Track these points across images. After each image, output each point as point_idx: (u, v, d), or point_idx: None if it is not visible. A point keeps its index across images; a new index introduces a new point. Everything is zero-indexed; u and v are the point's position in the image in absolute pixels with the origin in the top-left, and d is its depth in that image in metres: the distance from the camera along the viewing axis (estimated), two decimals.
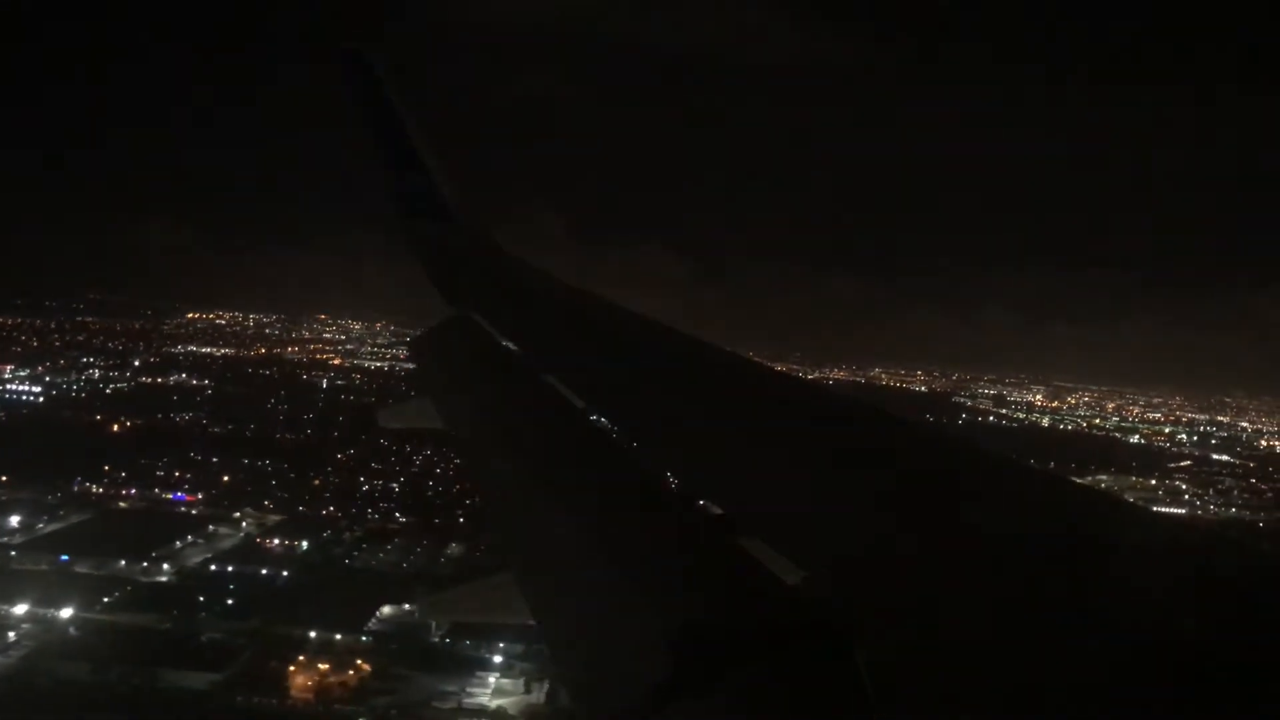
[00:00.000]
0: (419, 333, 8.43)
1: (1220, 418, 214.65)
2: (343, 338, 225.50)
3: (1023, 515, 2.54)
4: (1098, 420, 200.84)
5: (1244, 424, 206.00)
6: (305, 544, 76.97)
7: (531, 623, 3.11)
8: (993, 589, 2.04)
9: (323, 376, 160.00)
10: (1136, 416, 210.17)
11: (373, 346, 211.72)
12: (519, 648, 62.26)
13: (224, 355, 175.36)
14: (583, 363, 5.39)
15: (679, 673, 2.12)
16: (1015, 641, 1.83)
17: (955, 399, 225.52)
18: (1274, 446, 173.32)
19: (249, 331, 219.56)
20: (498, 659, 60.31)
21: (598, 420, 4.35)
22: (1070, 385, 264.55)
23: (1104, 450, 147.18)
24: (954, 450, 3.24)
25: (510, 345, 6.30)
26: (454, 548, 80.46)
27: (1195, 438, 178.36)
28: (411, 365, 8.40)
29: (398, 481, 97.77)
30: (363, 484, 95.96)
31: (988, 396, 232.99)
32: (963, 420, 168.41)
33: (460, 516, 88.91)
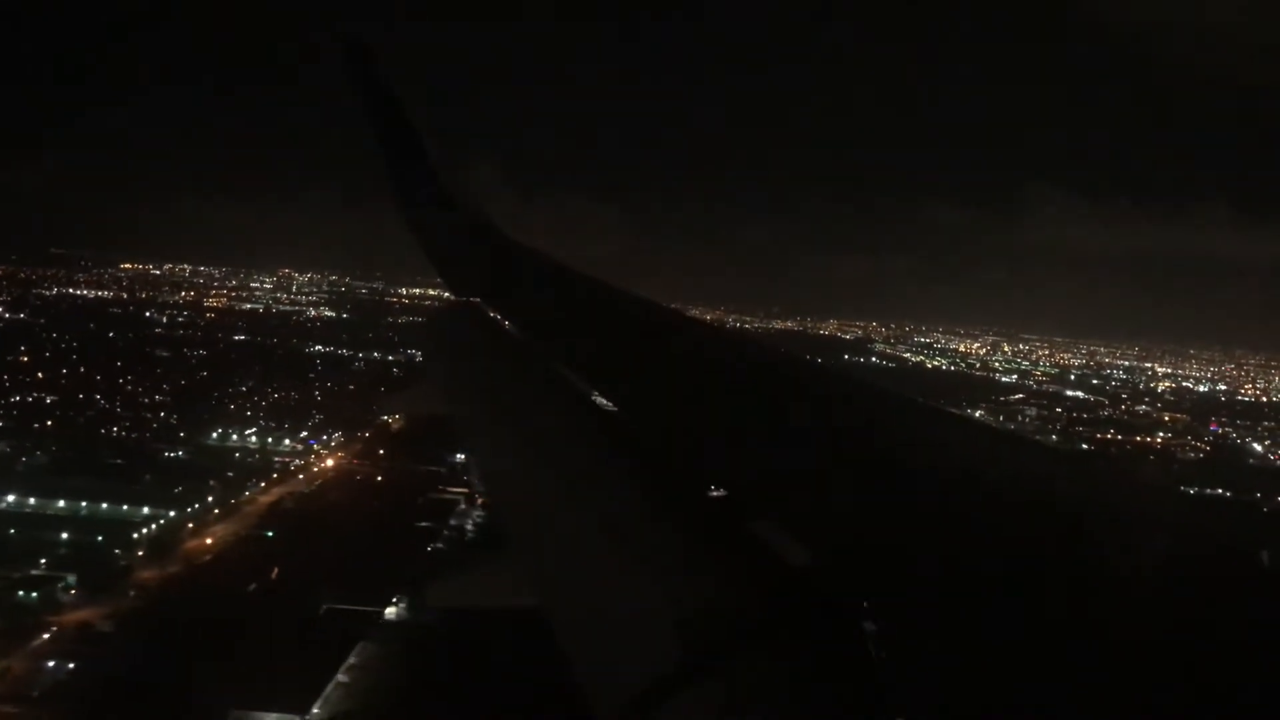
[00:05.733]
0: (421, 318, 8.68)
1: (1147, 365, 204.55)
2: (268, 288, 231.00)
3: (1024, 492, 2.65)
4: (996, 364, 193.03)
5: (1162, 370, 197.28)
6: None
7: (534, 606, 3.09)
8: (997, 564, 2.09)
9: (175, 316, 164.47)
10: (1050, 362, 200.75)
11: (287, 295, 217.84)
12: None
13: (96, 298, 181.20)
14: (586, 347, 5.47)
15: (688, 657, 2.11)
16: (1020, 617, 1.84)
17: (870, 344, 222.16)
18: (1156, 387, 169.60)
19: (174, 280, 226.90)
20: None
21: (602, 404, 4.36)
22: (1033, 337, 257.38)
23: (955, 384, 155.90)
24: (953, 427, 3.32)
25: (515, 331, 6.42)
26: (38, 455, 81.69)
27: (1066, 377, 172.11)
28: (420, 353, 8.31)
29: (75, 404, 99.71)
30: (30, 398, 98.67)
31: (915, 344, 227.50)
32: (845, 358, 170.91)
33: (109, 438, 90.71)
